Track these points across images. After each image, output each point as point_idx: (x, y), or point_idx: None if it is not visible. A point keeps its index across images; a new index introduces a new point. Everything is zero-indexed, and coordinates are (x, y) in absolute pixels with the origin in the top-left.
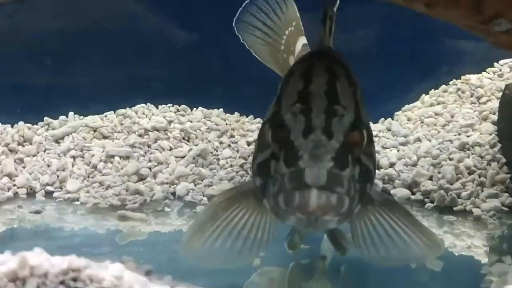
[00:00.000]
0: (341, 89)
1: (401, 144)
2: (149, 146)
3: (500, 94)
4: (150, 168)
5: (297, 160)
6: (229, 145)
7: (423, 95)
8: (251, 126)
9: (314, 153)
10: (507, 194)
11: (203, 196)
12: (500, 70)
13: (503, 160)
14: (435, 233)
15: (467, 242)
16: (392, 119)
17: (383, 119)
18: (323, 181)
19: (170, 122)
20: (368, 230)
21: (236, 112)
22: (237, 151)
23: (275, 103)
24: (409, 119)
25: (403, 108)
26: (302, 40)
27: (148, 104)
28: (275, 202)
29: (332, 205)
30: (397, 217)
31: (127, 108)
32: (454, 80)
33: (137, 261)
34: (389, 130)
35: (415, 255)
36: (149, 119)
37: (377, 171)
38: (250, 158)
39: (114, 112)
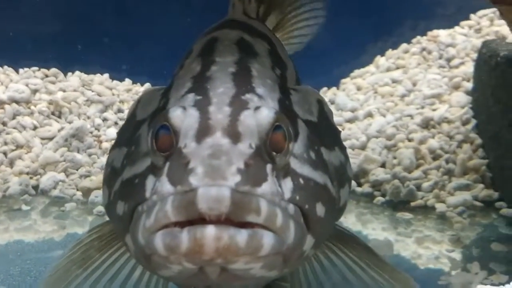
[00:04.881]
0: (258, 72)
1: (348, 121)
2: (4, 123)
3: (476, 56)
4: (5, 153)
5: (187, 176)
6: (116, 123)
7: (378, 56)
8: None
9: (212, 165)
10: (482, 185)
11: (77, 190)
12: (478, 23)
13: (479, 141)
14: (407, 276)
15: (433, 250)
16: (338, 88)
17: (325, 88)
18: (225, 207)
19: (35, 91)
20: (316, 278)
21: (126, 79)
22: None
23: (161, 95)
24: (359, 89)
25: (351, 74)
26: None
27: (5, 67)
28: (146, 242)
29: (240, 247)
30: (356, 256)
31: None
32: (418, 37)
33: None
34: (332, 103)
35: None
36: (6, 87)
37: None
38: None
39: None
